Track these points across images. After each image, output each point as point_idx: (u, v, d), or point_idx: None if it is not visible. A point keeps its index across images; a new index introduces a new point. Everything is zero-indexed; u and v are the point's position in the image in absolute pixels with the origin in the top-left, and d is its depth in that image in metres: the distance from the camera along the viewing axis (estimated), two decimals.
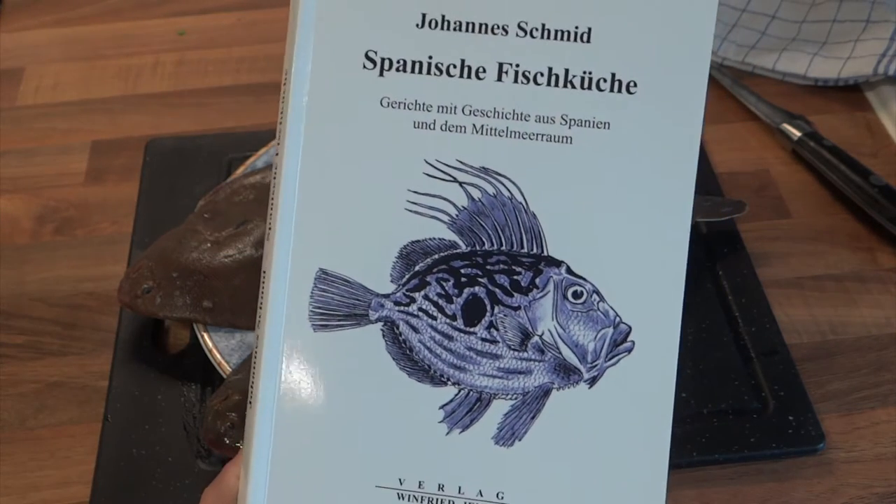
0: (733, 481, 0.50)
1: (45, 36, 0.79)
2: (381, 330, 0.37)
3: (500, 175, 0.36)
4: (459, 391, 0.36)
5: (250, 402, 0.36)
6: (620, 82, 0.36)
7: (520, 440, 0.36)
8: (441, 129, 0.36)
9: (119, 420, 0.52)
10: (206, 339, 0.51)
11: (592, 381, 0.36)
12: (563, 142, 0.36)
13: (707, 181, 0.64)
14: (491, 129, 0.36)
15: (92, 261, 0.61)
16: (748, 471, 0.50)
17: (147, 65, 0.76)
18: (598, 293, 0.36)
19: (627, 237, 0.36)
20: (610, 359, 0.36)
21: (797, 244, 0.61)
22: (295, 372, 0.36)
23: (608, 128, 0.36)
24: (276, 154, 0.37)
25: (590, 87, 0.36)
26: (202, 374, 0.53)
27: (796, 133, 0.66)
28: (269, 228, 0.36)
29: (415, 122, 0.36)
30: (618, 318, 0.36)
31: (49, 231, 0.63)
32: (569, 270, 0.36)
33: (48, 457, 0.51)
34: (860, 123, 0.69)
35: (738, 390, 0.52)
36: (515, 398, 0.36)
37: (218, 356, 0.51)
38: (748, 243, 0.59)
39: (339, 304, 0.36)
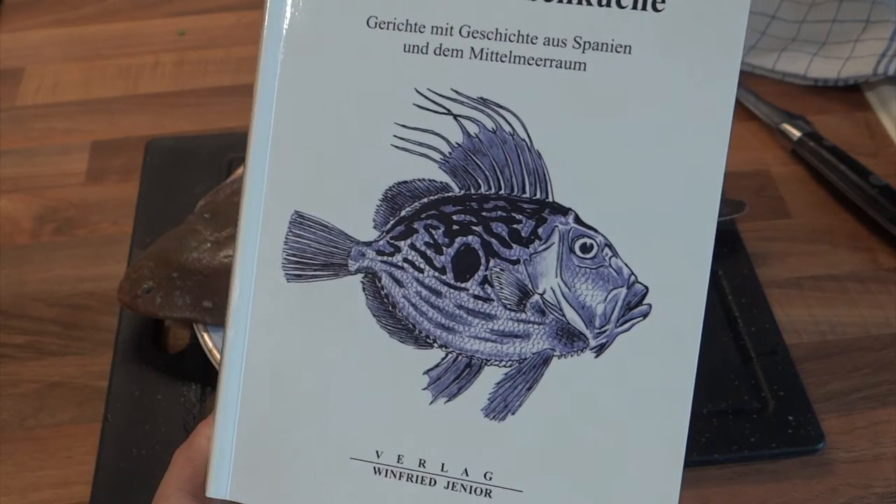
0: (733, 481, 0.49)
1: (45, 36, 0.79)
2: (362, 282, 0.33)
3: (500, 107, 0.32)
4: (447, 355, 0.32)
5: (220, 358, 0.33)
6: None
7: (513, 413, 0.32)
8: (435, 53, 0.32)
9: (119, 420, 0.52)
10: (206, 339, 0.51)
11: (600, 350, 0.31)
12: (575, 68, 0.31)
13: None
14: (491, 53, 0.31)
15: (92, 261, 0.61)
16: (748, 471, 0.50)
17: (147, 65, 0.76)
18: (610, 247, 0.31)
19: (648, 182, 0.31)
20: (622, 324, 0.31)
21: (797, 244, 0.61)
22: (264, 326, 0.33)
23: (629, 52, 0.31)
24: (255, 82, 0.33)
25: (608, 4, 0.31)
26: (202, 374, 0.53)
27: (796, 133, 0.66)
28: (244, 166, 0.33)
29: (405, 46, 0.32)
30: (633, 277, 0.31)
31: (49, 231, 0.63)
32: (577, 219, 0.31)
33: (48, 457, 0.51)
34: (860, 123, 0.69)
35: (738, 390, 0.52)
36: (510, 365, 0.32)
37: (218, 356, 0.51)
38: (748, 243, 0.59)
39: (316, 252, 0.33)
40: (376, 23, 0.32)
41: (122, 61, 0.76)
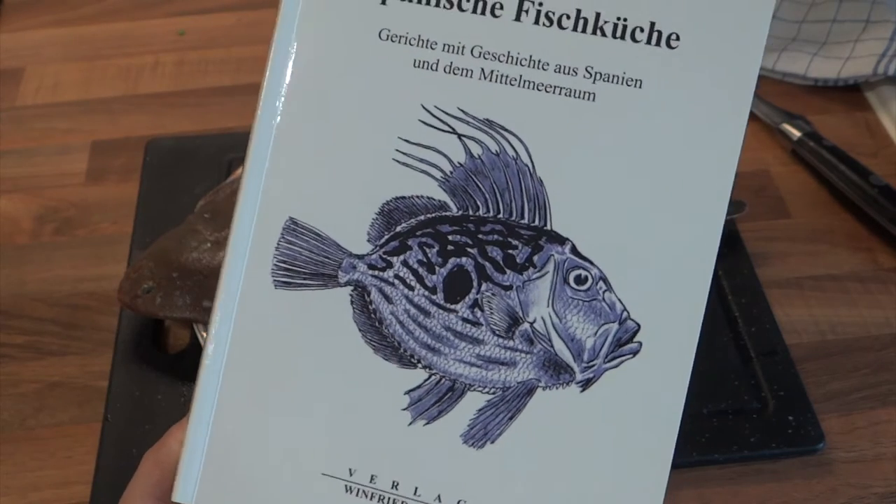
0: (733, 481, 0.49)
1: (45, 36, 0.79)
2: (350, 295, 0.32)
3: (505, 130, 0.31)
4: (430, 376, 0.32)
5: (200, 360, 0.33)
6: (660, 34, 0.31)
7: (492, 442, 0.31)
8: (445, 70, 0.32)
9: (119, 420, 0.52)
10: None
11: (586, 384, 0.31)
12: (584, 98, 0.31)
13: None
14: (502, 75, 0.31)
15: (92, 261, 0.61)
16: (748, 471, 0.50)
17: (147, 65, 0.76)
18: (605, 280, 0.31)
19: (649, 219, 0.31)
20: (610, 360, 0.31)
21: (797, 244, 0.61)
22: (247, 331, 0.32)
23: (639, 86, 0.31)
24: (262, 83, 0.33)
25: (622, 37, 0.31)
26: None
27: (796, 133, 0.66)
28: (243, 166, 0.33)
29: (415, 61, 0.32)
30: (625, 314, 0.31)
31: (49, 231, 0.63)
32: (574, 250, 0.31)
33: (48, 457, 0.51)
34: (860, 123, 0.69)
35: (738, 390, 0.52)
36: (493, 393, 0.31)
37: None
38: (748, 243, 0.59)
39: (307, 261, 0.32)
40: (388, 35, 0.32)
41: (122, 61, 0.76)
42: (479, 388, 0.31)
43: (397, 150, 0.32)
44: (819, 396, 0.53)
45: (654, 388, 0.31)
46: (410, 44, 0.32)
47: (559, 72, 0.31)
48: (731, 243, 0.59)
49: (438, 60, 0.32)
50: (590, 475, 0.31)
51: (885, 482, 0.49)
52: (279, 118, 0.33)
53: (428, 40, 0.32)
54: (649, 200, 0.31)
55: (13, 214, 0.64)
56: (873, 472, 0.50)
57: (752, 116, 0.69)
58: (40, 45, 0.78)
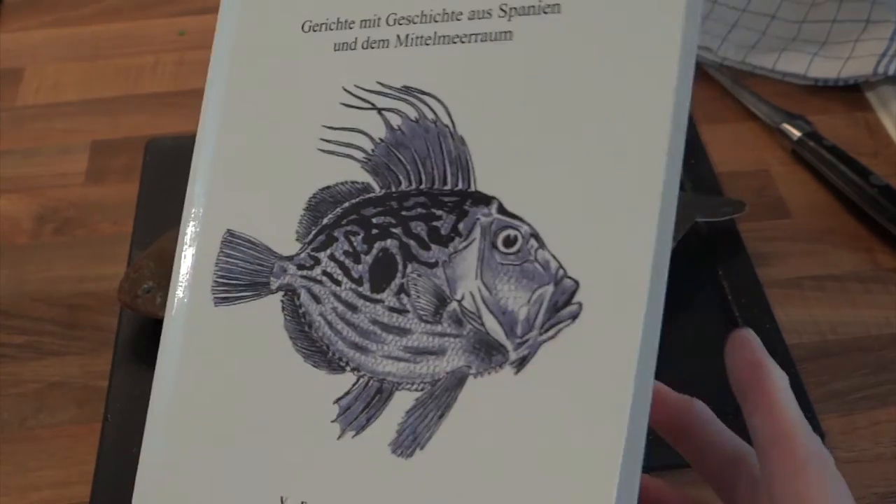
0: None
1: (45, 36, 0.79)
2: (282, 301, 0.30)
3: (423, 93, 0.29)
4: (358, 379, 0.28)
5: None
6: None
7: (421, 448, 0.27)
8: (363, 47, 0.30)
9: (119, 420, 0.52)
10: None
11: (521, 364, 0.26)
12: (500, 39, 0.28)
13: (707, 181, 0.64)
14: (416, 37, 0.29)
15: (92, 261, 0.61)
16: None
17: (147, 65, 0.76)
18: (536, 237, 0.27)
19: (581, 158, 0.27)
20: (546, 330, 0.26)
21: (797, 244, 0.61)
22: (190, 357, 0.30)
23: (557, 11, 0.27)
24: (203, 97, 0.33)
25: None
26: None
27: (796, 133, 0.66)
28: (188, 184, 0.32)
29: (335, 45, 0.30)
30: (561, 271, 0.26)
31: (49, 231, 0.63)
32: (501, 209, 0.27)
33: (48, 457, 0.51)
34: (860, 123, 0.69)
35: None
36: (422, 388, 0.27)
37: None
38: (748, 243, 0.59)
39: (242, 272, 0.30)
40: (310, 26, 0.31)
41: (122, 61, 0.76)
42: (408, 386, 0.27)
43: (321, 139, 0.30)
44: (819, 396, 0.53)
45: (599, 357, 0.25)
46: (331, 29, 0.30)
47: (473, 17, 0.28)
48: (731, 243, 0.59)
49: (356, 38, 0.30)
50: (531, 474, 0.26)
51: (886, 482, 0.49)
52: (218, 128, 0.32)
53: (346, 21, 0.30)
54: (579, 139, 0.27)
55: (13, 214, 0.64)
56: (873, 472, 0.50)
57: (753, 116, 0.69)
58: (40, 45, 0.78)
